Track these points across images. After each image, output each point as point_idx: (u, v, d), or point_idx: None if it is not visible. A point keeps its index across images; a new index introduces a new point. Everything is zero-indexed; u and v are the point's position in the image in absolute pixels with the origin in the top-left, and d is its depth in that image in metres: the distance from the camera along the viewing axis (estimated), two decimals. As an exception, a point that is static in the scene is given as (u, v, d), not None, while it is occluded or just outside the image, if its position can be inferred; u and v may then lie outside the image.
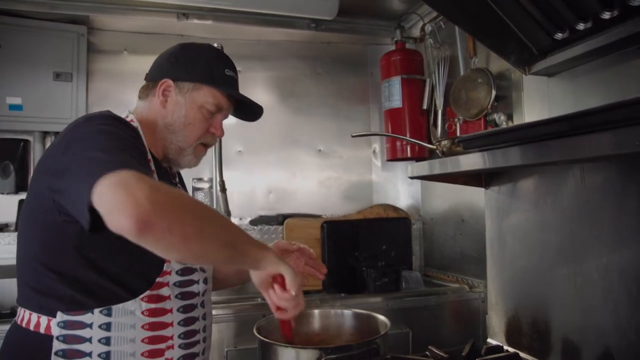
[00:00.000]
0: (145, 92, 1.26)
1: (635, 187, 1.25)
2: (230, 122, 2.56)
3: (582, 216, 1.43)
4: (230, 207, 2.41)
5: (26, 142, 2.29)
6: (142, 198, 0.79)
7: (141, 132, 1.18)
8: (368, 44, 2.87)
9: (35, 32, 2.23)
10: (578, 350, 1.44)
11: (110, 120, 1.06)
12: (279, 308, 1.13)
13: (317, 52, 2.79)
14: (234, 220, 2.49)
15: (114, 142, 0.96)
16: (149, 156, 1.16)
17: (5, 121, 2.19)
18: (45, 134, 2.30)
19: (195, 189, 2.51)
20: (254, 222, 2.52)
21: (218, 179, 2.42)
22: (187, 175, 2.42)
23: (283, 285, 1.07)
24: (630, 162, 1.24)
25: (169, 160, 1.27)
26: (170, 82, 1.21)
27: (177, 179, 1.37)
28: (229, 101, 1.27)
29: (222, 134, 1.30)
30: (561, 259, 1.50)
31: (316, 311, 1.47)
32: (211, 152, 2.47)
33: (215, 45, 2.25)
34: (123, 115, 1.21)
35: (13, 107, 2.19)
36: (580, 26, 1.45)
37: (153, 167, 1.15)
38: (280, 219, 2.50)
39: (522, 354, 1.51)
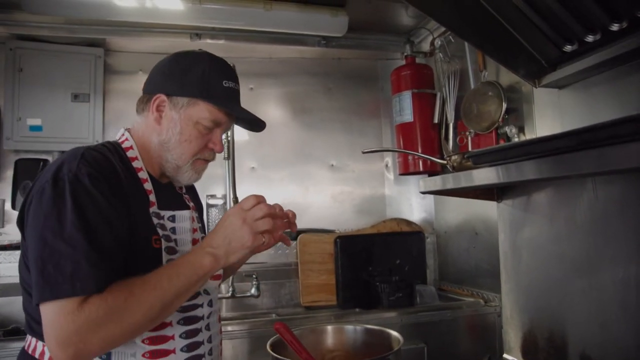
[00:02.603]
0: (141, 105, 1.19)
1: (649, 200, 1.24)
2: (244, 138, 2.63)
3: (597, 229, 1.41)
4: (244, 223, 2.43)
5: (45, 161, 2.35)
6: (63, 337, 0.87)
7: (136, 150, 1.15)
8: (378, 59, 2.90)
9: (54, 55, 2.31)
10: (596, 365, 1.41)
11: (76, 191, 0.95)
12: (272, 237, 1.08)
13: (328, 68, 2.83)
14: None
15: (68, 244, 0.91)
16: (145, 175, 1.14)
17: (26, 142, 2.26)
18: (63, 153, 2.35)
19: (209, 206, 2.54)
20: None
21: (231, 196, 2.44)
22: (201, 192, 2.48)
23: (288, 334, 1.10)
24: (643, 174, 1.23)
25: (168, 177, 1.21)
26: (163, 97, 1.14)
27: (184, 190, 1.33)
28: (229, 115, 1.18)
29: (222, 149, 1.21)
30: (576, 272, 1.48)
31: (329, 327, 1.47)
32: (225, 169, 2.51)
33: (230, 64, 2.35)
34: (119, 134, 1.19)
35: (33, 128, 2.26)
36: (589, 38, 1.46)
37: (150, 187, 1.13)
38: (293, 235, 2.51)
39: (538, 370, 1.49)
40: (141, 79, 2.52)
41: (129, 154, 1.15)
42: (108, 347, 0.96)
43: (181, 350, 1.08)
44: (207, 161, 1.22)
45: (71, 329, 0.88)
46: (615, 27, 1.36)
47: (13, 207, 2.26)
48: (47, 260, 0.91)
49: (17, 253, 2.12)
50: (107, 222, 0.97)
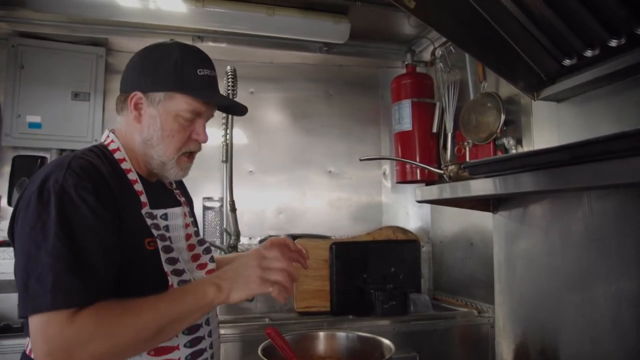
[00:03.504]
0: (119, 105, 1.18)
1: (643, 215, 1.24)
2: (242, 142, 2.64)
3: (591, 243, 1.42)
4: (240, 227, 2.43)
5: (43, 159, 2.35)
6: (54, 352, 0.87)
7: (123, 152, 1.14)
8: (379, 67, 2.91)
9: (56, 53, 2.31)
10: (587, 379, 1.41)
11: (64, 201, 0.95)
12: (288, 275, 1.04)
13: (329, 75, 2.84)
14: (244, 239, 2.50)
15: (52, 256, 0.91)
16: (135, 176, 1.13)
17: (25, 138, 2.26)
18: (62, 151, 2.36)
19: (205, 208, 2.54)
20: (263, 242, 2.54)
21: (228, 199, 2.44)
22: (198, 194, 2.49)
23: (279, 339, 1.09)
24: (638, 190, 1.24)
25: (155, 174, 1.20)
26: (140, 94, 1.12)
27: (174, 185, 1.33)
28: (207, 104, 1.15)
29: (206, 139, 1.18)
30: (569, 285, 1.48)
31: (321, 333, 1.46)
32: (222, 172, 2.51)
33: (229, 68, 2.36)
34: (104, 136, 1.19)
35: (32, 125, 2.26)
36: (588, 53, 1.47)
37: (140, 188, 1.12)
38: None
39: (530, 383, 1.49)
40: (142, 80, 2.55)
41: (117, 155, 1.14)
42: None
43: (184, 346, 1.08)
44: (192, 154, 1.19)
45: (57, 342, 0.87)
46: (614, 43, 1.37)
47: (9, 203, 2.26)
48: (31, 273, 0.91)
49: (11, 250, 2.14)
50: (93, 233, 0.96)
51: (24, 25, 2.23)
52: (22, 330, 1.88)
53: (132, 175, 1.13)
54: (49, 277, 0.90)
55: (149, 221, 1.10)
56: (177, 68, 1.10)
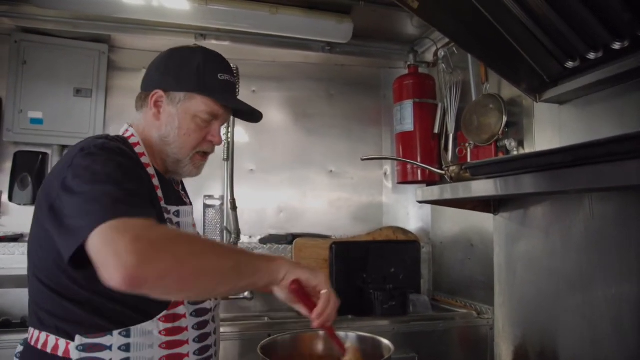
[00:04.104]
0: (140, 102, 1.23)
1: (644, 218, 1.24)
2: (244, 141, 2.64)
3: (592, 246, 1.42)
4: (241, 225, 2.43)
5: (44, 155, 2.35)
6: (125, 252, 0.78)
7: (142, 147, 1.17)
8: (381, 67, 2.91)
9: (58, 49, 2.31)
10: (586, 382, 1.41)
11: (106, 153, 0.99)
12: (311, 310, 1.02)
13: (331, 74, 2.84)
14: (244, 238, 2.50)
15: (106, 184, 0.91)
16: (153, 171, 1.15)
17: (26, 134, 2.26)
18: (63, 147, 2.36)
19: (206, 206, 2.54)
20: (263, 241, 2.54)
21: (229, 197, 2.44)
22: (199, 192, 2.50)
23: (302, 291, 1.00)
24: (639, 193, 1.24)
25: (170, 171, 1.24)
26: (161, 92, 1.17)
27: (181, 187, 1.36)
28: (225, 107, 1.21)
29: (220, 141, 1.24)
30: (570, 288, 1.48)
31: (321, 333, 1.46)
32: (223, 170, 2.51)
33: (233, 66, 2.36)
34: (122, 130, 1.22)
35: (34, 121, 2.26)
36: (591, 55, 1.47)
37: (157, 183, 1.15)
38: (289, 239, 2.51)
39: (528, 384, 1.49)
40: (144, 77, 2.55)
41: (137, 149, 1.17)
42: (162, 282, 0.83)
43: (193, 340, 1.10)
44: (206, 154, 1.25)
45: (122, 244, 0.79)
46: (617, 46, 1.37)
47: (10, 199, 2.26)
48: (88, 199, 0.87)
49: (12, 245, 2.15)
50: (140, 180, 1.01)
51: (27, 21, 2.23)
52: (21, 326, 1.89)
53: (150, 170, 1.16)
54: (109, 197, 0.87)
55: (165, 215, 1.13)
56: (199, 71, 1.16)
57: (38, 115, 2.26)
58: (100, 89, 2.38)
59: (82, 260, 0.84)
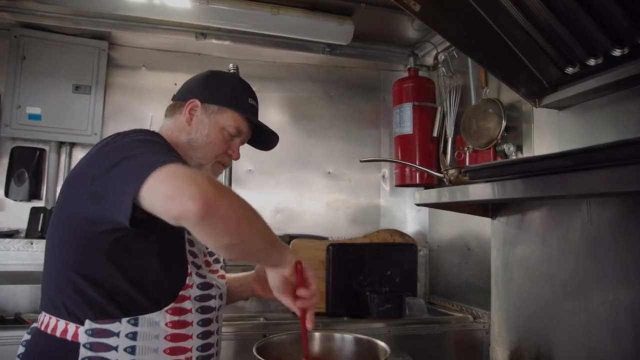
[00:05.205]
0: (172, 110, 1.34)
1: (642, 225, 1.24)
2: (242, 140, 2.62)
3: (589, 251, 1.42)
4: (238, 225, 2.42)
5: (42, 151, 2.34)
6: (204, 183, 0.87)
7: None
8: (381, 69, 2.91)
9: (58, 45, 2.31)
10: (581, 388, 1.41)
11: (145, 133, 1.14)
12: (297, 298, 1.15)
13: (331, 76, 2.84)
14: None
15: (155, 146, 1.03)
16: None
17: (24, 130, 2.25)
18: (61, 144, 2.35)
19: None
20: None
21: (227, 196, 2.43)
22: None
23: (302, 272, 1.15)
24: (637, 199, 1.24)
25: None
26: (197, 102, 1.31)
27: None
28: (248, 127, 1.36)
29: (238, 157, 1.37)
30: (566, 293, 1.48)
31: (317, 334, 1.46)
32: (221, 170, 2.50)
33: (231, 66, 2.36)
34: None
35: (32, 116, 2.26)
36: (591, 62, 1.47)
37: None
38: (286, 240, 2.50)
39: (523, 389, 1.49)
40: (144, 75, 2.57)
41: None
42: (225, 217, 0.92)
43: (197, 336, 1.14)
44: (224, 166, 1.38)
45: (201, 179, 0.89)
46: (617, 53, 1.37)
47: (6, 195, 2.25)
48: (147, 153, 0.98)
49: (7, 241, 2.14)
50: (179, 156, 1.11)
51: (27, 16, 2.22)
52: (15, 322, 1.88)
53: None
54: (158, 152, 0.99)
55: None
56: (234, 91, 1.35)
57: (36, 111, 2.26)
58: (99, 86, 2.37)
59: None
